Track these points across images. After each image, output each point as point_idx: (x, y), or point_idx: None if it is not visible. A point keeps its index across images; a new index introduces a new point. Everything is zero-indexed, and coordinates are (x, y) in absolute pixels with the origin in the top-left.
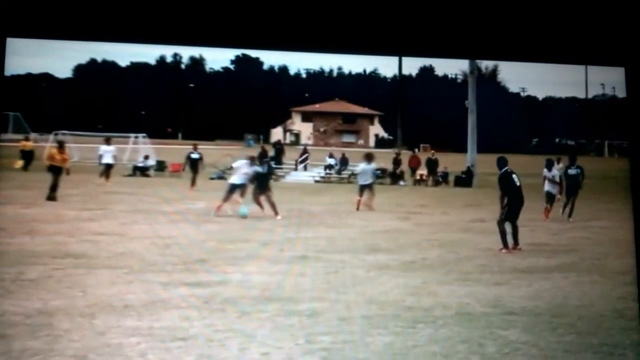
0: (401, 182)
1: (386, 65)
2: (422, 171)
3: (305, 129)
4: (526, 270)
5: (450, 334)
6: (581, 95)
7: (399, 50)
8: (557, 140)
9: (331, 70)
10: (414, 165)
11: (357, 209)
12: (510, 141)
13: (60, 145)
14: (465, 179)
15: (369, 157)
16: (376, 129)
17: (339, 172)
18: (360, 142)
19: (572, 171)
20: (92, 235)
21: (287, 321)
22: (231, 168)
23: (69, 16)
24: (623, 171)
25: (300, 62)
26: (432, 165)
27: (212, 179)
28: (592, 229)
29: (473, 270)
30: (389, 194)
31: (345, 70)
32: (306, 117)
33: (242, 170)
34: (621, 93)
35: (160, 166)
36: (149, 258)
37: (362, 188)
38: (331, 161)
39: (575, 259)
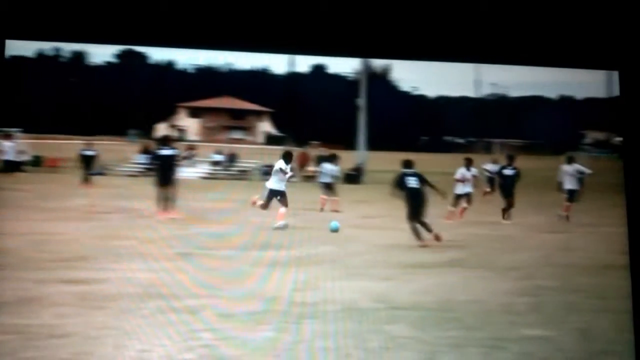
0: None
1: (277, 63)
2: (311, 168)
3: (192, 125)
4: (415, 266)
5: (337, 329)
6: (472, 94)
7: (293, 48)
8: (445, 138)
9: (220, 67)
10: (303, 162)
11: (322, 209)
12: (400, 139)
13: None
14: (354, 176)
15: (332, 158)
16: (266, 126)
17: (226, 169)
18: (250, 138)
19: (508, 172)
20: None
21: (167, 318)
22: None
23: (68, 18)
24: (516, 169)
25: (187, 57)
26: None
27: (91, 174)
28: (484, 225)
29: (362, 265)
30: None
31: (236, 67)
32: (193, 113)
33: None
34: (515, 92)
35: (37, 161)
36: (26, 255)
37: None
38: (218, 157)
39: (465, 255)
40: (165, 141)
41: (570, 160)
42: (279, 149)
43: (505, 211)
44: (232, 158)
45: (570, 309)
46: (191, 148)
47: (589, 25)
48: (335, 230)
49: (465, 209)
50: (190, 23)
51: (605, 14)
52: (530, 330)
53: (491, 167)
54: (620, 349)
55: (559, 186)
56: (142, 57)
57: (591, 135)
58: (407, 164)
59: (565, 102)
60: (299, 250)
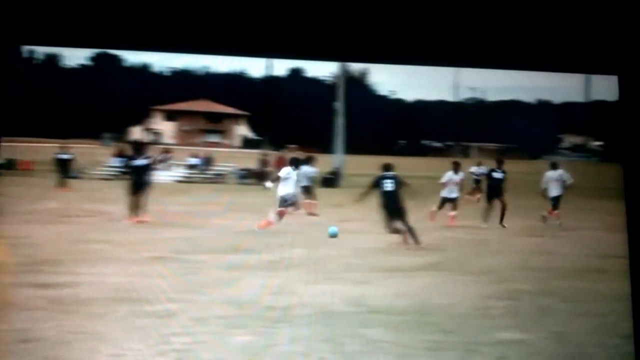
0: (266, 184)
1: (254, 66)
2: None
3: (167, 128)
4: (392, 269)
5: (311, 333)
6: (451, 98)
7: (270, 52)
8: (423, 142)
9: (196, 70)
10: (280, 166)
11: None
12: (378, 143)
13: None
14: (331, 180)
15: (309, 160)
16: (243, 129)
17: (202, 172)
18: (226, 142)
19: (497, 174)
20: None
21: (140, 322)
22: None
23: (71, 23)
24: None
25: (163, 60)
26: None
27: (67, 178)
28: (463, 229)
29: (337, 269)
30: (255, 194)
31: (212, 70)
32: (168, 116)
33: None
34: (493, 96)
35: (10, 164)
36: None
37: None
38: (194, 161)
39: (442, 258)
40: (139, 149)
41: (554, 166)
42: (256, 152)
43: (502, 215)
44: (208, 161)
45: (547, 312)
46: (166, 151)
47: (587, 30)
48: (334, 236)
49: (454, 217)
50: (168, 26)
51: (604, 18)
52: (508, 334)
53: (477, 169)
54: (596, 351)
55: (544, 193)
56: (117, 59)
57: (568, 140)
58: (387, 167)
59: (543, 106)
60: (275, 254)
